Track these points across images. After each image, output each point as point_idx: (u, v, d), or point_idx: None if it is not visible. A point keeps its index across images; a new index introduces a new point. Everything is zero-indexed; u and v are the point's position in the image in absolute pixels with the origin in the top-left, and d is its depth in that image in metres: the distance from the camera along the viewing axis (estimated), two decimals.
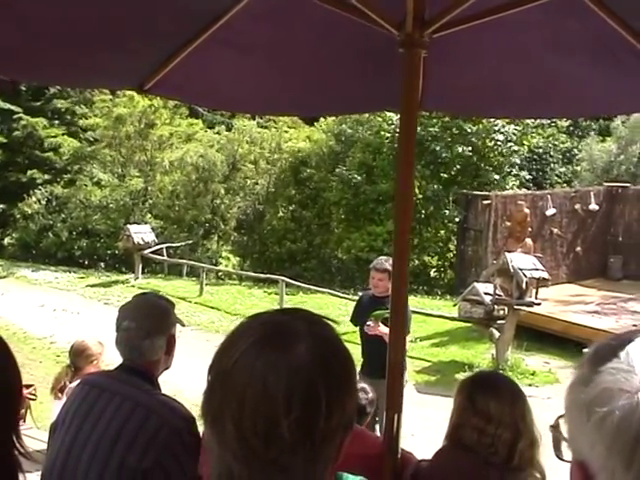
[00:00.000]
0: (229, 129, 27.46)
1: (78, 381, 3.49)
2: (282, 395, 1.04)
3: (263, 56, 3.32)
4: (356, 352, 5.98)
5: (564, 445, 1.00)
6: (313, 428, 1.05)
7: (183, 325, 3.04)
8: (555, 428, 1.02)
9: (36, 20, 2.61)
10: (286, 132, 26.09)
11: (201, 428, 2.25)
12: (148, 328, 2.65)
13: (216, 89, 3.66)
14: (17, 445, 1.46)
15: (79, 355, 5.21)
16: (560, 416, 1.01)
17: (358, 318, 6.54)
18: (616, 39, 2.76)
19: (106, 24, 2.74)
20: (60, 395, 5.06)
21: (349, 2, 2.34)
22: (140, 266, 18.87)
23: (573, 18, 2.79)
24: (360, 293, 7.67)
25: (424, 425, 7.61)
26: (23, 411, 5.55)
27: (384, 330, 5.50)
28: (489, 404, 2.58)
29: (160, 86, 3.36)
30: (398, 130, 2.80)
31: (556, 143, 25.37)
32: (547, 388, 10.12)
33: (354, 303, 7.11)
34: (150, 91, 3.45)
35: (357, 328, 6.54)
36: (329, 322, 1.21)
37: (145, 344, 2.64)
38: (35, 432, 5.29)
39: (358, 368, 5.78)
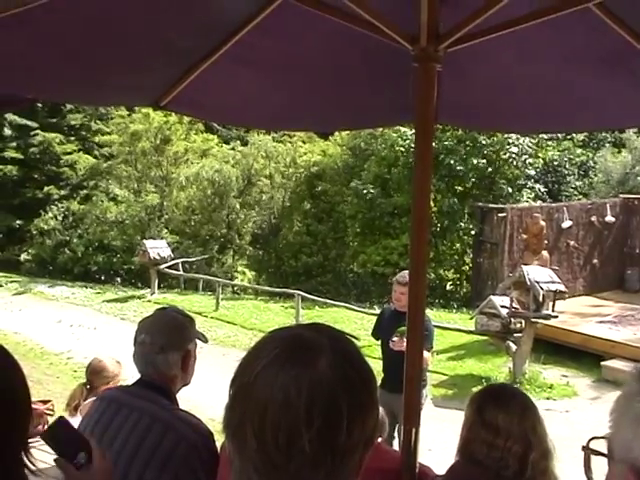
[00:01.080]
0: (244, 144, 27.61)
1: (93, 398, 3.47)
2: (303, 408, 1.03)
3: (277, 72, 3.33)
4: (375, 366, 5.97)
5: (594, 465, 1.06)
6: (334, 442, 1.05)
7: (206, 341, 2.92)
8: (587, 448, 1.07)
9: (53, 39, 2.63)
10: (301, 147, 26.22)
11: (219, 443, 2.25)
12: (162, 343, 2.63)
13: (231, 105, 3.68)
14: (26, 462, 1.44)
15: (96, 374, 5.21)
16: (592, 438, 1.07)
17: (379, 332, 6.51)
18: (630, 52, 2.76)
19: (122, 42, 2.77)
20: (74, 412, 5.06)
21: (363, 17, 2.35)
22: (156, 281, 18.94)
23: (587, 31, 2.78)
24: (377, 308, 7.65)
25: (441, 439, 7.55)
26: (41, 427, 5.56)
27: None
28: (497, 417, 2.53)
29: (176, 102, 3.38)
30: (413, 144, 2.78)
31: (571, 156, 25.27)
32: (565, 401, 10.06)
33: (370, 317, 7.08)
34: (166, 107, 3.47)
35: (377, 342, 6.51)
36: (350, 337, 1.21)
37: (159, 359, 2.62)
38: None
39: (378, 382, 5.78)
